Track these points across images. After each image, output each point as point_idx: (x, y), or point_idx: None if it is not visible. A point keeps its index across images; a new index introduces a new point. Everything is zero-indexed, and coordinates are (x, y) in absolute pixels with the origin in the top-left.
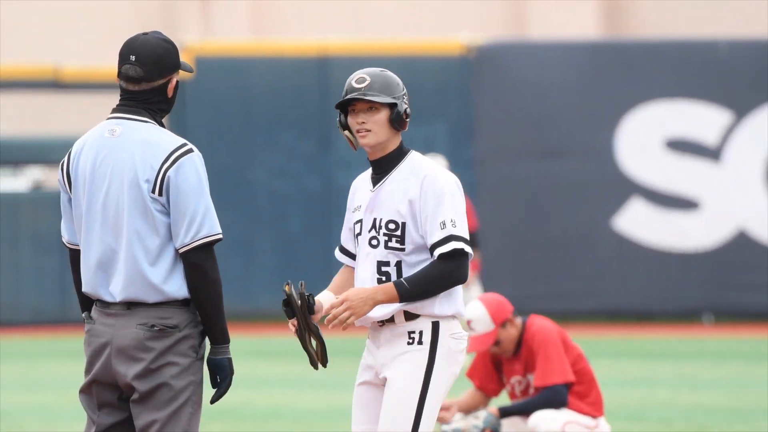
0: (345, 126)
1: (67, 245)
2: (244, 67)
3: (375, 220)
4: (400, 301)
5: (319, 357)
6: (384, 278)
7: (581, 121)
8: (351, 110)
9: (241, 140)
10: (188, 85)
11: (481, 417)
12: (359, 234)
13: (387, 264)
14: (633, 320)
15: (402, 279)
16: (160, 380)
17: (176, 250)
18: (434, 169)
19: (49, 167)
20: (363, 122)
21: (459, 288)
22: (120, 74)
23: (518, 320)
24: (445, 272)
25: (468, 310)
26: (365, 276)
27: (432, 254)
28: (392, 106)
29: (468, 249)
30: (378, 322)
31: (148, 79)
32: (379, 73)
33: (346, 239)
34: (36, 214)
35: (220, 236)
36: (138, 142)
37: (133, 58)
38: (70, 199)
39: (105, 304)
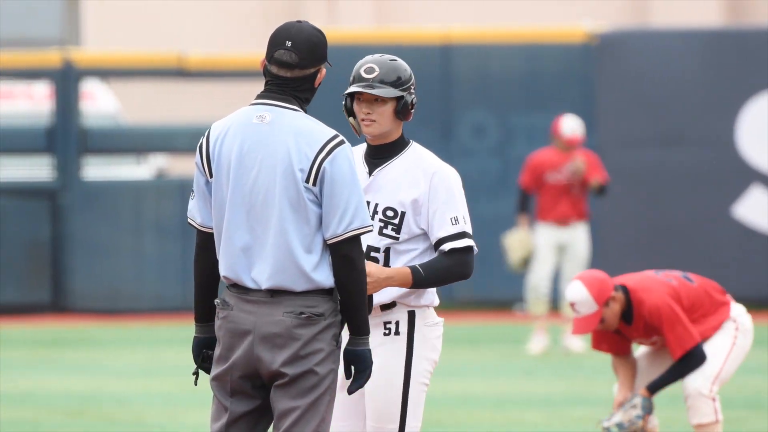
0: (350, 112)
1: (198, 227)
2: (366, 55)
3: (369, 203)
4: (411, 287)
5: None
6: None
7: (702, 109)
8: (357, 98)
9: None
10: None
11: (638, 404)
12: None
13: (377, 250)
14: (753, 308)
15: (418, 266)
16: (306, 366)
17: (324, 240)
18: (442, 164)
19: (172, 155)
20: (368, 113)
21: None
22: (272, 60)
23: (619, 293)
24: (457, 266)
25: (569, 292)
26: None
27: (439, 247)
28: (399, 98)
29: (475, 247)
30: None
31: (302, 66)
32: (389, 62)
33: None
34: (159, 202)
35: (371, 228)
36: (291, 131)
37: (289, 44)
38: (207, 182)
39: (244, 291)
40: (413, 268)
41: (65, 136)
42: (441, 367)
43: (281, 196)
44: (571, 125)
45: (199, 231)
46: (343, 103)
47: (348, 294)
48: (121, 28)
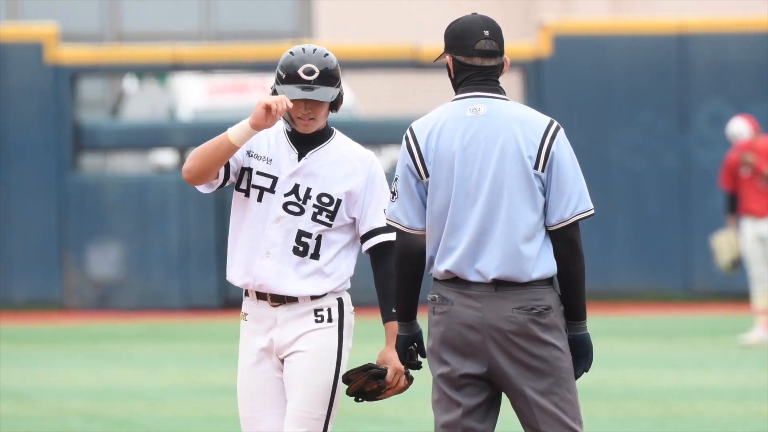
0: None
1: (405, 229)
2: (602, 45)
3: (298, 186)
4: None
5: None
6: (301, 248)
7: None
8: (285, 80)
9: (598, 118)
10: (546, 63)
11: None
12: (268, 190)
13: (309, 236)
14: None
15: (390, 309)
16: (543, 357)
17: (544, 227)
18: (372, 154)
19: None
20: (308, 113)
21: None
22: (473, 51)
23: None
24: (392, 268)
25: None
26: (276, 240)
27: (373, 236)
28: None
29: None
30: (273, 301)
31: (501, 53)
32: (324, 59)
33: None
34: None
35: (593, 211)
36: (512, 119)
37: (487, 32)
38: (418, 182)
39: (465, 284)
40: (391, 316)
41: None
42: (678, 358)
43: (511, 184)
44: (738, 127)
45: (403, 233)
46: (272, 93)
47: (572, 279)
48: (354, 20)
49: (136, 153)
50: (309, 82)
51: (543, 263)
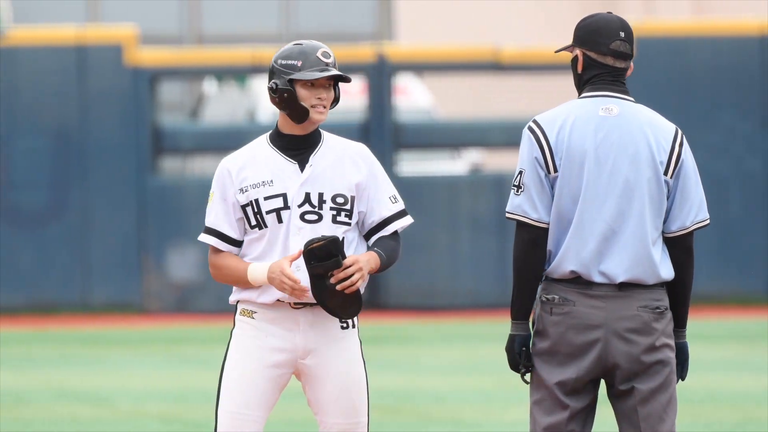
0: (288, 100)
1: (534, 222)
2: (684, 47)
3: (310, 194)
4: (374, 273)
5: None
6: None
7: None
8: (307, 84)
9: (680, 121)
10: None
11: None
12: (283, 209)
13: None
14: None
15: (378, 250)
16: (659, 357)
17: (662, 232)
18: (365, 146)
19: (487, 150)
20: (322, 100)
21: None
22: (607, 49)
23: None
24: (398, 247)
25: None
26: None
27: (385, 227)
28: (337, 85)
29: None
30: (295, 304)
31: (632, 56)
32: (328, 47)
33: (225, 225)
34: (474, 197)
35: (709, 221)
36: (644, 123)
37: (622, 34)
38: (546, 176)
39: (587, 285)
40: (377, 251)
41: (379, 131)
42: (761, 361)
43: (642, 188)
44: None
45: (531, 227)
46: (275, 88)
47: (683, 286)
48: (434, 22)
49: (216, 155)
50: (327, 64)
51: (664, 267)
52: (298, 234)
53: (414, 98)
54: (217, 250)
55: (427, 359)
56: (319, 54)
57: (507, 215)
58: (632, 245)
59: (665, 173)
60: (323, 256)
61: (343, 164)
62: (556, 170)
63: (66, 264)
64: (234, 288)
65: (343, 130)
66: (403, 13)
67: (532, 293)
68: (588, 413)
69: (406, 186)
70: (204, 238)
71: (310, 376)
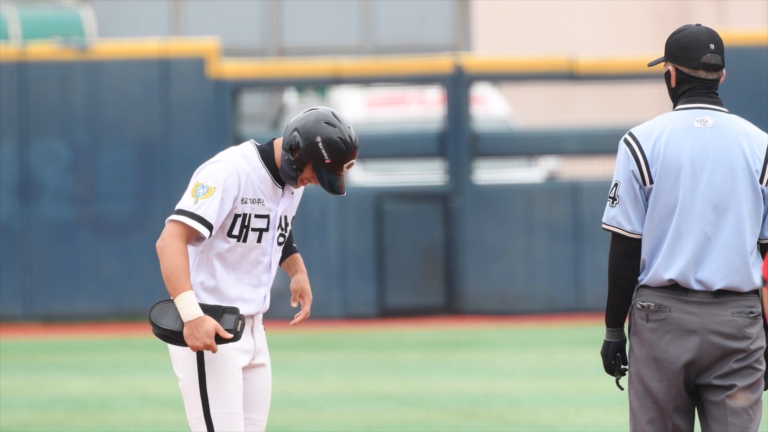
0: (297, 168)
1: (628, 234)
2: (757, 56)
3: (281, 219)
4: None
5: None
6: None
7: None
8: (327, 165)
9: None
10: None
11: None
12: (265, 230)
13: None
14: None
15: (297, 249)
16: (752, 361)
17: (756, 241)
18: None
19: (563, 158)
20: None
21: None
22: (698, 63)
23: None
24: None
25: None
26: (274, 272)
27: (294, 250)
28: None
29: None
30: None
31: (723, 66)
32: None
33: (215, 222)
34: (550, 205)
35: None
36: (740, 132)
37: (712, 46)
38: (641, 188)
39: (683, 292)
40: (295, 250)
41: (457, 141)
42: None
43: (739, 197)
44: None
45: (625, 238)
46: (298, 154)
47: None
48: (511, 33)
49: None
50: (345, 174)
51: (756, 274)
52: (276, 254)
53: (491, 108)
54: (191, 239)
55: (503, 363)
56: (345, 166)
57: (603, 226)
58: (729, 253)
59: (760, 181)
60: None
61: (299, 190)
62: (651, 182)
63: (149, 273)
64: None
65: (421, 139)
66: (481, 24)
67: (626, 301)
68: (689, 413)
69: (483, 194)
70: (192, 223)
71: (253, 375)
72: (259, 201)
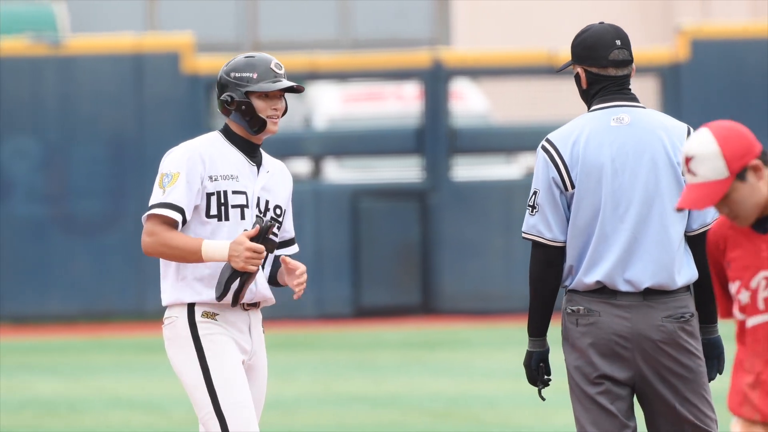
0: (245, 111)
1: (549, 242)
2: (741, 49)
3: (259, 199)
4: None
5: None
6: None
7: None
8: (264, 95)
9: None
10: (684, 67)
11: None
12: (245, 206)
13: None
14: None
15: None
16: (691, 368)
17: (683, 235)
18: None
19: None
20: (277, 109)
21: None
22: (606, 61)
23: None
24: None
25: (689, 142)
26: (263, 259)
27: (289, 247)
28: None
29: None
30: (248, 304)
31: (632, 61)
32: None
33: (187, 204)
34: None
35: None
36: (657, 127)
37: (619, 42)
38: (562, 194)
39: (612, 295)
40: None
41: (434, 137)
42: None
43: (662, 192)
44: None
45: (546, 246)
46: (230, 101)
47: (709, 284)
48: (490, 27)
49: None
50: (281, 75)
51: (687, 270)
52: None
53: (469, 103)
54: (167, 226)
55: (480, 363)
56: (272, 66)
57: (523, 235)
58: (655, 250)
59: (683, 174)
60: (274, 233)
61: (278, 177)
62: (573, 186)
63: (121, 272)
64: (177, 288)
65: (398, 135)
66: (460, 18)
67: (548, 310)
68: (630, 412)
69: (461, 191)
70: (164, 211)
71: (249, 374)
72: (233, 177)
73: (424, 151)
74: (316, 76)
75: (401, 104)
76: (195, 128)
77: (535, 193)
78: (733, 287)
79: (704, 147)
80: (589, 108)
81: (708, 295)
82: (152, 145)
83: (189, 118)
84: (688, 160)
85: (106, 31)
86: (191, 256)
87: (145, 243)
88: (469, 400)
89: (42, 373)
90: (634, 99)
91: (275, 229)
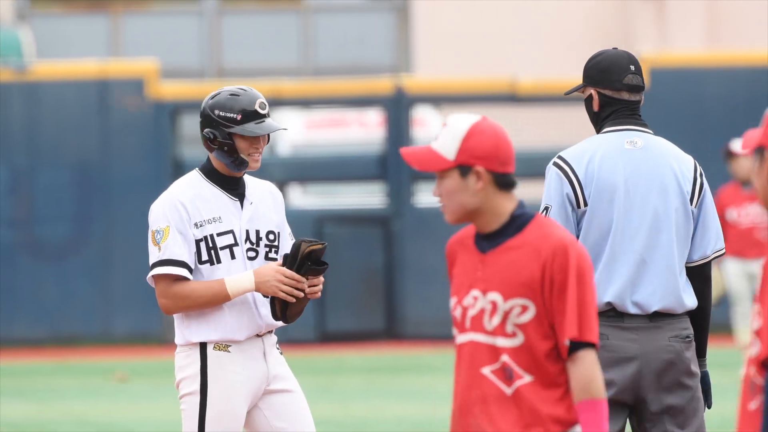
0: (229, 149)
1: None
2: (698, 78)
3: (248, 232)
4: None
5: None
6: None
7: None
8: (243, 120)
9: (695, 151)
10: (644, 96)
11: None
12: (234, 245)
13: None
14: None
15: None
16: (690, 384)
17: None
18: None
19: None
20: (259, 147)
21: None
22: (621, 86)
23: None
24: None
25: (458, 114)
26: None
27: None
28: None
29: None
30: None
31: (644, 87)
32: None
33: (187, 256)
34: None
35: (724, 250)
36: (668, 154)
37: (633, 67)
38: (573, 210)
39: (619, 317)
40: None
41: (397, 163)
42: None
43: (671, 218)
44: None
45: None
46: (212, 138)
47: (704, 316)
48: (452, 53)
49: None
50: (264, 116)
51: (690, 295)
52: (249, 269)
53: (432, 130)
54: (178, 281)
55: (444, 388)
56: (256, 106)
57: None
58: (663, 275)
59: (690, 202)
60: (318, 260)
61: (266, 201)
62: (585, 204)
63: (88, 296)
64: (192, 325)
65: (361, 162)
66: (421, 44)
67: None
68: None
69: (424, 217)
70: (168, 269)
71: (277, 398)
72: (216, 219)
73: (387, 177)
74: (279, 102)
75: (364, 131)
76: (160, 153)
77: (546, 208)
78: (451, 302)
79: (459, 123)
80: (598, 131)
81: (702, 328)
82: (117, 170)
83: (154, 143)
84: (444, 124)
85: (70, 56)
86: (217, 298)
87: (164, 306)
88: (433, 424)
89: (9, 397)
90: (645, 125)
91: (316, 249)
